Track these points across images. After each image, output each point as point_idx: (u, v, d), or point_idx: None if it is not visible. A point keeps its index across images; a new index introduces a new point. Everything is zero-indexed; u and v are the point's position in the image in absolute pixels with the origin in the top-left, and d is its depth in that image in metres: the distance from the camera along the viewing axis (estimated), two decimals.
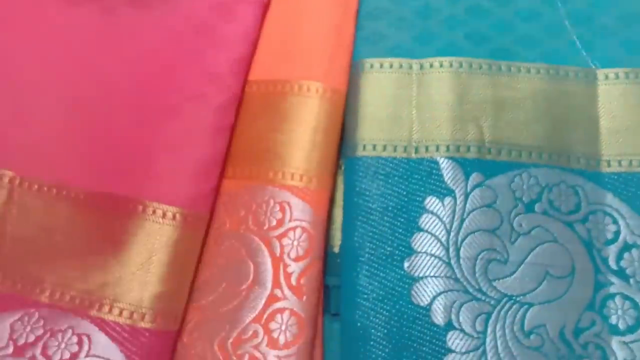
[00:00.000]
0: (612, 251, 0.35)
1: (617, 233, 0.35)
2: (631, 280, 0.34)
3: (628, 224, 0.35)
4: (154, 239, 0.35)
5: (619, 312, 0.34)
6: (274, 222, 0.36)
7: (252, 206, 0.37)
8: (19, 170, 0.37)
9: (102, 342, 0.34)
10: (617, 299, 0.34)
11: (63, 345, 0.34)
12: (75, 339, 0.34)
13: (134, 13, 0.42)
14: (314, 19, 0.41)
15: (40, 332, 0.34)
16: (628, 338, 0.34)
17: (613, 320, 0.34)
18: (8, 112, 0.39)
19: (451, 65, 0.38)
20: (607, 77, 0.38)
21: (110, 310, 0.35)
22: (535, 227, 0.35)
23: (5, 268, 0.36)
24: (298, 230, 0.36)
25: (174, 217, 0.36)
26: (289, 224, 0.36)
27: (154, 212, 0.36)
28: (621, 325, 0.34)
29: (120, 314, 0.34)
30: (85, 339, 0.34)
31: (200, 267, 0.37)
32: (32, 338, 0.34)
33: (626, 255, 0.35)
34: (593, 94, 0.38)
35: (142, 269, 0.35)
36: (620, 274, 0.34)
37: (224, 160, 0.39)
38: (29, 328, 0.34)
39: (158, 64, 0.41)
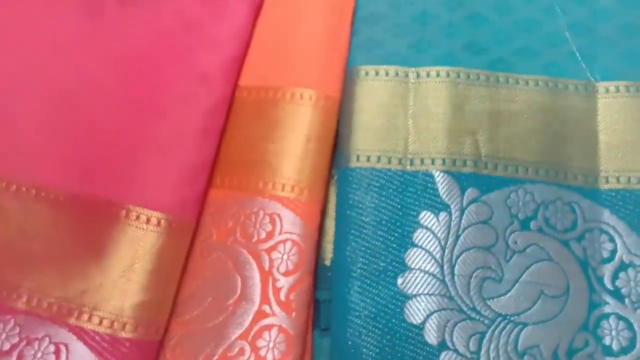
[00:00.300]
0: (607, 270, 0.34)
1: (613, 252, 0.34)
2: (626, 300, 0.33)
3: (625, 242, 0.34)
4: (137, 246, 0.33)
5: (613, 332, 0.33)
6: (263, 235, 0.35)
7: (241, 217, 0.35)
8: None
9: (80, 352, 0.32)
10: (612, 319, 0.33)
11: (39, 355, 0.32)
12: (52, 348, 0.32)
13: (120, 10, 0.40)
14: (307, 24, 0.39)
15: (15, 339, 0.32)
16: (622, 359, 0.32)
17: (607, 341, 0.33)
18: None
19: (448, 75, 0.37)
20: (607, 90, 0.37)
21: (89, 319, 0.33)
22: (531, 245, 0.34)
23: None
24: (288, 244, 0.34)
25: (158, 223, 0.34)
26: (279, 236, 0.34)
27: (137, 217, 0.34)
28: (615, 346, 0.33)
29: (100, 322, 0.33)
30: (62, 348, 0.32)
31: (185, 280, 0.35)
32: (7, 346, 0.32)
33: (622, 274, 0.34)
34: (592, 107, 0.36)
35: (123, 277, 0.33)
36: (616, 293, 0.33)
37: (212, 166, 0.37)
38: (4, 335, 0.32)
39: (145, 63, 0.39)
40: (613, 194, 0.35)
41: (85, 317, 0.33)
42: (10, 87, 0.38)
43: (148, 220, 0.34)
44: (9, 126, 0.37)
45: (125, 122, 0.37)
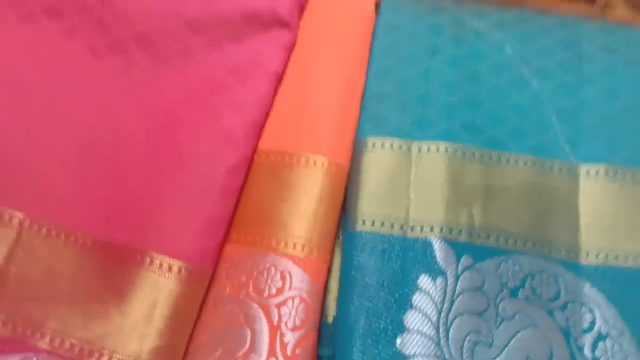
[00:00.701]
0: (587, 340, 0.34)
1: (592, 323, 0.35)
2: None
3: (603, 314, 0.35)
4: (158, 292, 0.34)
5: None
6: (274, 290, 0.35)
7: (254, 272, 0.36)
8: (30, 211, 0.35)
9: None
10: None
11: None
12: None
13: (153, 67, 0.41)
14: (323, 97, 0.40)
15: None
16: None
17: None
18: (23, 153, 0.37)
19: (447, 151, 0.38)
20: (588, 173, 0.38)
21: None
22: (518, 312, 0.34)
23: (7, 310, 0.33)
24: (297, 300, 0.34)
25: (179, 271, 0.34)
26: (288, 292, 0.35)
27: (160, 265, 0.34)
28: None
29: None
30: None
31: (197, 331, 0.35)
32: None
33: (600, 344, 0.34)
34: (575, 189, 0.38)
35: (143, 322, 0.33)
36: None
37: (231, 220, 0.38)
38: None
39: (174, 119, 0.39)
40: (593, 269, 0.36)
41: (105, 359, 0.32)
42: (44, 131, 0.38)
43: (170, 268, 0.34)
44: (42, 170, 0.37)
45: (152, 173, 0.37)
